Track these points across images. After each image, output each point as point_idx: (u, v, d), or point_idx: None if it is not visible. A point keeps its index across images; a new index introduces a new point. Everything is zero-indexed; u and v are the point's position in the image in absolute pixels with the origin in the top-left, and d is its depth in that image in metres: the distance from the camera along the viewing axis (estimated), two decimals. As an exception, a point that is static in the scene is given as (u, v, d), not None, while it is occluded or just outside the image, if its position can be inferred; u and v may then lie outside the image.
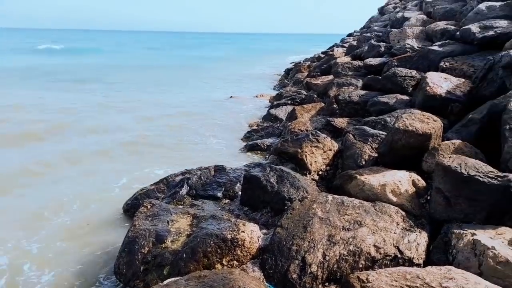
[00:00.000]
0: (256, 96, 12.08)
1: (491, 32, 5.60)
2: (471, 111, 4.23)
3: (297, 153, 4.17)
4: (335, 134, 5.39)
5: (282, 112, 8.05)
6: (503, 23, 5.68)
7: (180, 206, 3.46)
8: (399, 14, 9.75)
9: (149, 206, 3.19)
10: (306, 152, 4.17)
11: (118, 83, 15.04)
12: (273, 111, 8.33)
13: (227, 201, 3.71)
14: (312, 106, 7.00)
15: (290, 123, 6.24)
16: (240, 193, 3.71)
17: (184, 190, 3.77)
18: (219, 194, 3.75)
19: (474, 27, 5.87)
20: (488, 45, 5.72)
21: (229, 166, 4.43)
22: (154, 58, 30.04)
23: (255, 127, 7.87)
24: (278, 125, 7.55)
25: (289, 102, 8.63)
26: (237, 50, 47.05)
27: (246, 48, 53.50)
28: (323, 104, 6.96)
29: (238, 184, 3.84)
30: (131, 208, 3.95)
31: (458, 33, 6.32)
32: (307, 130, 5.67)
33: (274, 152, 4.59)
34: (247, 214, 3.38)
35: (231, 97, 11.81)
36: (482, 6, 6.64)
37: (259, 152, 6.23)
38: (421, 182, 3.25)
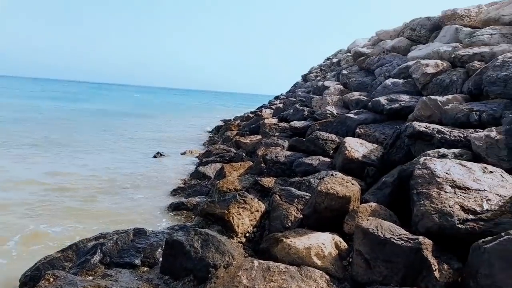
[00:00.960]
0: (184, 153, 11.90)
1: (396, 105, 6.36)
2: (384, 174, 4.59)
3: (224, 214, 4.07)
4: (263, 194, 5.42)
5: (210, 170, 7.97)
6: (405, 97, 6.50)
7: (90, 278, 3.07)
8: (320, 83, 10.70)
9: (51, 279, 2.77)
10: (233, 213, 4.09)
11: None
12: (201, 168, 8.22)
13: (146, 269, 3.40)
14: (241, 164, 7.06)
15: (218, 182, 6.17)
16: (161, 259, 3.44)
17: (96, 258, 3.38)
18: (137, 262, 3.43)
19: (382, 99, 6.62)
20: (395, 115, 6.46)
21: (150, 229, 4.14)
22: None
23: (182, 185, 7.63)
24: (206, 183, 7.42)
25: (218, 159, 8.62)
26: (161, 105, 45.25)
27: (172, 103, 52.75)
28: (251, 163, 7.06)
29: (160, 250, 3.57)
30: (30, 281, 3.40)
31: (370, 103, 7.07)
32: (235, 189, 5.64)
33: (200, 213, 4.43)
34: (168, 284, 3.11)
35: (158, 153, 11.45)
36: (388, 81, 7.61)
37: (185, 211, 5.97)
38: (343, 244, 3.33)
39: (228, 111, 37.37)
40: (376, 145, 5.65)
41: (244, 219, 4.14)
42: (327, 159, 5.93)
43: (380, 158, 5.32)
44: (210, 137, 16.17)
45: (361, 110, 7.11)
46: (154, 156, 11.12)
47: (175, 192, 7.15)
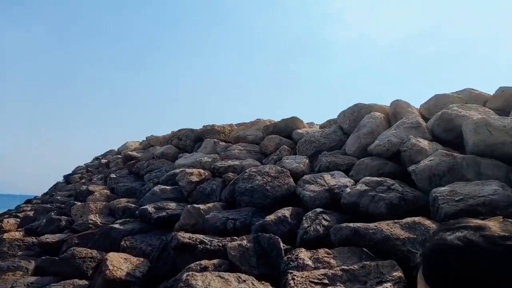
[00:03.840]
0: None
1: (163, 213, 6.32)
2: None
3: None
4: None
5: None
6: (172, 205, 6.59)
7: None
8: (84, 187, 9.69)
9: None
10: None
11: None
12: None
13: None
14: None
15: None
16: None
17: None
18: None
19: (150, 207, 6.46)
20: (163, 224, 6.34)
21: None
22: None
23: None
24: None
25: None
26: None
27: None
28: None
29: None
30: None
31: (137, 212, 6.76)
32: None
33: None
34: None
35: None
36: (157, 188, 7.63)
37: None
38: None
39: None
40: (142, 259, 5.24)
41: None
42: (84, 282, 5.00)
43: (146, 273, 4.92)
44: None
45: (128, 219, 6.67)
46: None
47: None
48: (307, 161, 7.00)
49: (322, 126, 9.36)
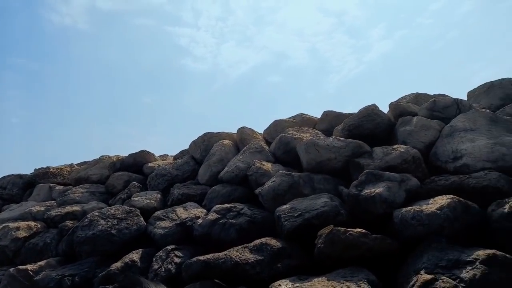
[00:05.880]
0: None
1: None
2: None
3: None
4: None
5: None
6: (-12, 272, 5.23)
7: None
8: None
9: None
10: None
11: None
12: None
13: None
14: None
15: None
16: None
17: None
18: None
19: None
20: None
21: None
22: None
23: None
24: None
25: None
26: None
27: None
28: None
29: None
30: None
31: None
32: None
33: None
34: None
35: None
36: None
37: None
38: None
39: None
40: None
41: None
42: None
43: None
44: None
45: None
46: None
47: None
48: (159, 196, 6.62)
49: (175, 158, 9.12)
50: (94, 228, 5.30)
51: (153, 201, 6.31)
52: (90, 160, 9.11)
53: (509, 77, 6.74)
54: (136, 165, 8.25)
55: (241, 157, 6.55)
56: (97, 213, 5.69)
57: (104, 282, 4.23)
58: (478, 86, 7.12)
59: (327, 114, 7.76)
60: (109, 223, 5.42)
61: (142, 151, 8.51)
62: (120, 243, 5.24)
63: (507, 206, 3.52)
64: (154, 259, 4.45)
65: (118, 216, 5.57)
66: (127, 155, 8.67)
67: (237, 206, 5.10)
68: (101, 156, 8.95)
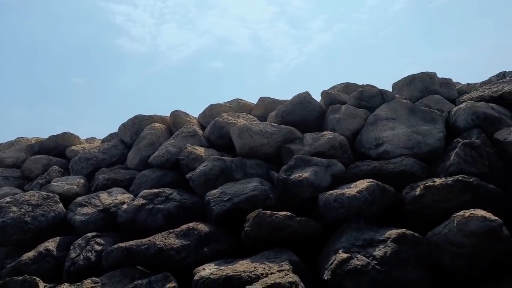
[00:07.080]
0: None
1: None
2: None
3: None
4: None
5: None
6: None
7: None
8: None
9: None
10: None
11: None
12: None
13: None
14: None
15: None
16: None
17: None
18: None
19: None
20: None
21: None
22: None
23: None
24: None
25: None
26: None
27: None
28: None
29: None
30: None
31: None
32: None
33: None
34: None
35: None
36: None
37: None
38: None
39: None
40: None
41: None
42: None
43: None
44: None
45: None
46: None
47: None
48: (82, 181, 6.17)
49: (104, 141, 8.57)
50: (4, 216, 4.79)
51: (75, 187, 5.87)
52: (4, 142, 8.22)
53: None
54: (58, 148, 7.61)
55: (172, 141, 6.34)
56: (8, 199, 5.15)
57: (13, 273, 3.85)
58: (402, 79, 7.61)
59: (262, 100, 7.80)
60: (22, 210, 4.94)
61: (65, 133, 7.86)
62: (35, 231, 4.81)
63: (418, 189, 3.82)
64: (71, 247, 4.15)
65: (34, 203, 5.10)
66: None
67: (166, 191, 4.93)
68: (17, 138, 8.12)
